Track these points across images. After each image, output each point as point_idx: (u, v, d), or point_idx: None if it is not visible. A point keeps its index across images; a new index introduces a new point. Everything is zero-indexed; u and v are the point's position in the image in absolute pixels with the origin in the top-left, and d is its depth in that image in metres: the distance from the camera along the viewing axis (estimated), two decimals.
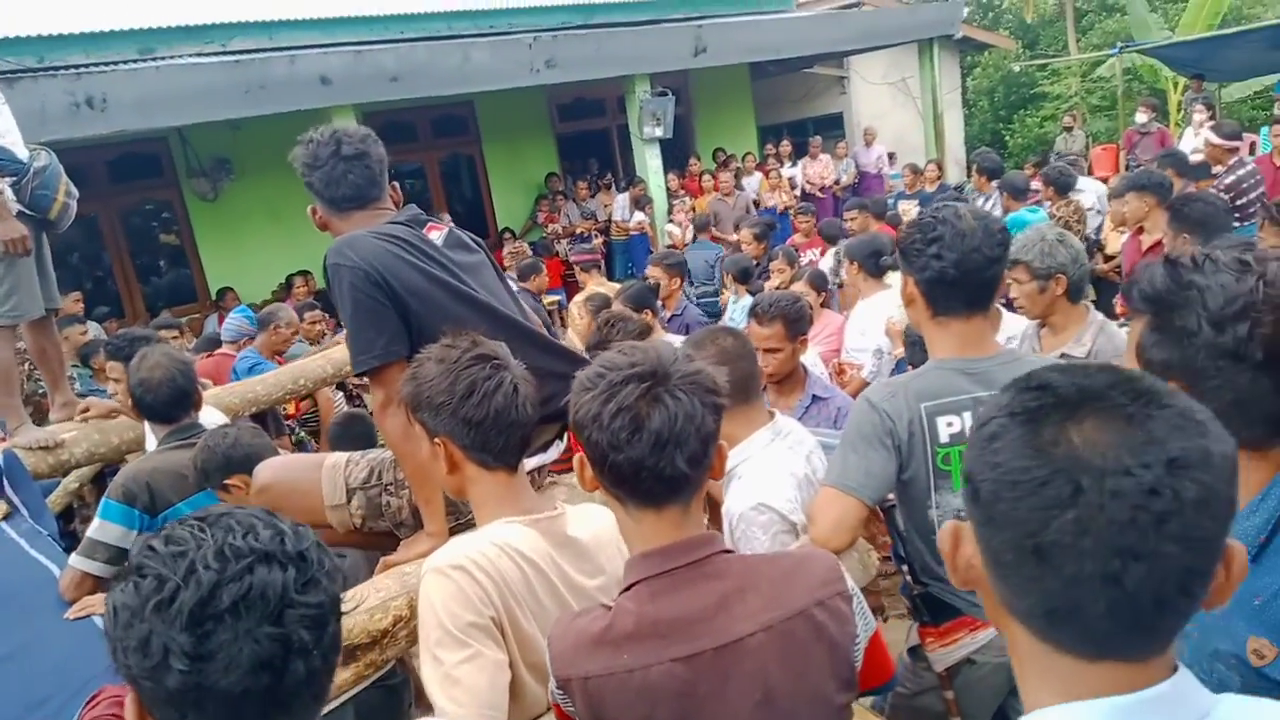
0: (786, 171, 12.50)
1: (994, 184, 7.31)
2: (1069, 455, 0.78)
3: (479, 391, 1.65)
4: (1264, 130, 11.38)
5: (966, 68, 18.91)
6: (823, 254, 7.26)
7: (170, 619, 0.89)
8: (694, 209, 10.97)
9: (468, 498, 1.76)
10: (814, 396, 3.14)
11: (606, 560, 1.72)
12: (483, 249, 2.48)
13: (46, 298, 3.65)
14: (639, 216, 11.14)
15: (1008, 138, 18.63)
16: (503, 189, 12.52)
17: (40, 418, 3.92)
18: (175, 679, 0.89)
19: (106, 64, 8.23)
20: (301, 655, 0.94)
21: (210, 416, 3.43)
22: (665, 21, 12.20)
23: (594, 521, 1.75)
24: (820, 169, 12.68)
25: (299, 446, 4.96)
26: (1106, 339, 3.01)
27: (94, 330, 6.78)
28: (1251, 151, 9.32)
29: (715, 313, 6.83)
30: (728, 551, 1.42)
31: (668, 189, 11.15)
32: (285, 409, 5.03)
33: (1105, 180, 8.81)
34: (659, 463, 1.31)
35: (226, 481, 2.72)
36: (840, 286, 5.95)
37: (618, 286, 5.86)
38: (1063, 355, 2.99)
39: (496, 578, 1.55)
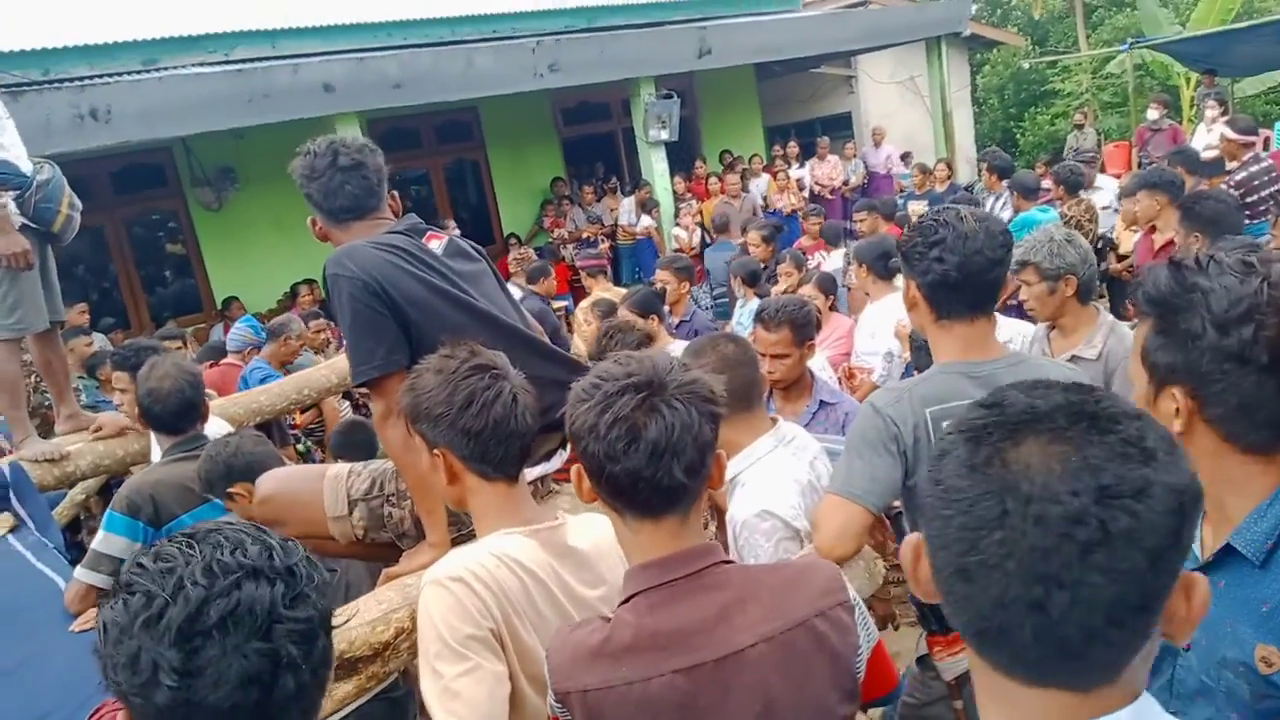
0: (794, 173, 12.41)
1: (1005, 183, 7.27)
2: (1000, 477, 0.77)
3: (478, 402, 1.64)
4: (1277, 125, 11.32)
5: (975, 65, 18.84)
6: (828, 254, 7.23)
7: (159, 635, 0.90)
8: (701, 212, 10.93)
9: (468, 509, 1.75)
10: (821, 402, 3.13)
11: (608, 570, 1.70)
12: (484, 257, 2.48)
13: (51, 310, 3.66)
14: (645, 220, 11.08)
15: (1019, 136, 18.49)
16: (508, 194, 12.50)
17: (46, 430, 3.92)
18: (164, 695, 0.89)
19: (110, 75, 8.28)
20: (290, 670, 0.94)
21: (216, 428, 3.43)
22: (669, 23, 12.17)
23: (595, 531, 1.73)
24: (828, 170, 12.58)
25: (304, 457, 4.96)
26: (1118, 340, 2.97)
27: (99, 342, 6.78)
28: (1265, 147, 9.25)
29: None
30: (727, 562, 1.41)
31: (674, 192, 11.11)
32: (292, 419, 5.03)
33: (1118, 178, 8.76)
34: (656, 473, 1.30)
35: (229, 490, 2.73)
36: (849, 289, 5.92)
37: (624, 291, 5.79)
38: (1073, 358, 2.96)
39: (495, 589, 1.54)
